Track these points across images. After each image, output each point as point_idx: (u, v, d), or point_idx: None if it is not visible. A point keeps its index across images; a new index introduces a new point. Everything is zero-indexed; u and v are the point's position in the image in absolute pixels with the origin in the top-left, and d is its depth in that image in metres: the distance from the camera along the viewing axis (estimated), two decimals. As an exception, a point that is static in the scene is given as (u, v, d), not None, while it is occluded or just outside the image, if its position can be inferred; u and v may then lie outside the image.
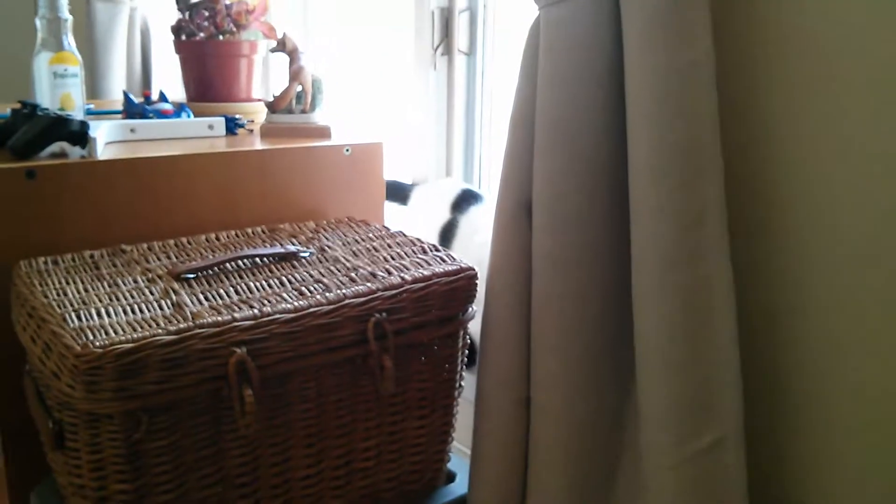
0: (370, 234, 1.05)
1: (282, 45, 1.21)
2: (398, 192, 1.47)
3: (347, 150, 1.15)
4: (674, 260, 0.80)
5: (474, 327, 0.99)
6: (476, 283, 0.95)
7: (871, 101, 0.77)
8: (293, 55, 1.21)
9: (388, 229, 1.07)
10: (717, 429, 0.83)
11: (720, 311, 0.82)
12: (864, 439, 0.83)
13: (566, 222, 0.87)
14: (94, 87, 2.03)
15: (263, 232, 1.05)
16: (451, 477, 1.03)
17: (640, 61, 0.79)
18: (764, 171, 0.86)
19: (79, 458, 0.78)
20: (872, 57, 0.76)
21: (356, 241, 1.02)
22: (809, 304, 0.85)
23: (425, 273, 0.91)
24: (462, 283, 0.93)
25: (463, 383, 1.00)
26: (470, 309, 0.96)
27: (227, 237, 1.03)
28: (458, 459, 1.05)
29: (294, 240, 1.02)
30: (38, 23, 1.15)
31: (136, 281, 0.89)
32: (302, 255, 0.96)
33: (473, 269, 0.94)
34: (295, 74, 1.20)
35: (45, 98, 1.15)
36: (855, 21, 0.77)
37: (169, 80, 1.98)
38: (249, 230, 1.05)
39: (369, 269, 0.92)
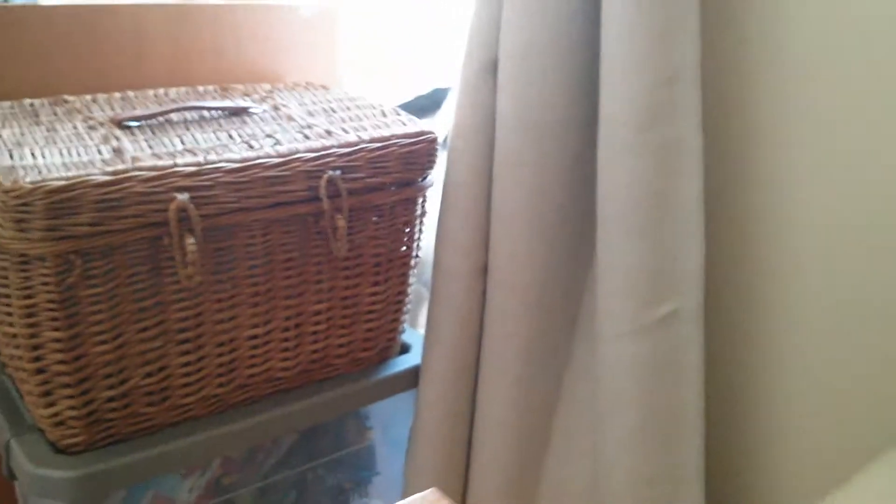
0: (329, 97, 1.00)
1: None
2: (435, 101, 1.27)
3: (306, 11, 1.09)
4: (644, 120, 0.77)
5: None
6: (436, 148, 0.91)
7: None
8: None
9: (347, 93, 1.02)
10: (677, 299, 0.81)
11: (688, 176, 0.79)
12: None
13: (533, 83, 0.83)
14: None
15: (215, 90, 1.00)
16: (405, 348, 1.01)
17: None
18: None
19: (9, 304, 0.74)
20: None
21: (313, 102, 0.98)
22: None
23: (383, 133, 0.87)
24: (422, 146, 0.89)
25: (420, 254, 0.97)
26: (429, 175, 0.92)
27: (177, 93, 0.98)
28: (414, 332, 1.03)
29: (247, 98, 0.97)
30: None
31: (75, 127, 0.84)
32: (253, 111, 0.91)
33: (434, 134, 0.90)
34: (255, -71, 1.13)
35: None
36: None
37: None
38: (201, 88, 1.00)
39: (325, 127, 0.87)
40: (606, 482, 0.85)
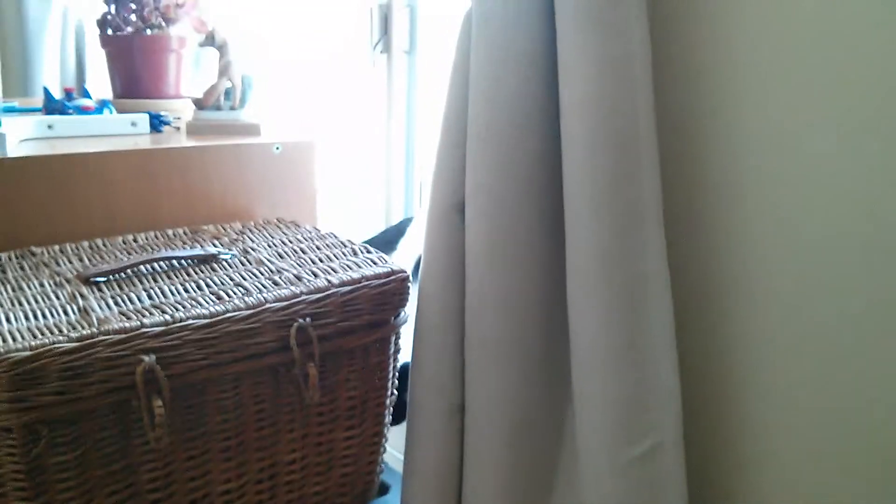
0: (299, 236, 1.00)
1: (211, 39, 1.16)
2: (393, 238, 1.24)
3: (277, 148, 1.11)
4: (608, 259, 0.77)
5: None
6: (408, 287, 0.91)
7: (815, 95, 0.75)
8: (223, 49, 1.16)
9: (318, 231, 1.03)
10: (656, 434, 0.80)
11: (657, 312, 0.79)
12: (793, 439, 0.82)
13: (499, 222, 0.84)
14: (25, 84, 1.95)
15: (185, 233, 1.00)
16: (384, 489, 0.99)
17: (574, 55, 0.76)
18: (700, 168, 0.84)
19: (-25, 475, 0.72)
20: (817, 50, 0.75)
21: (283, 242, 0.98)
22: (742, 304, 0.83)
23: (354, 276, 0.87)
24: (393, 285, 0.89)
25: (395, 391, 0.96)
26: (402, 313, 0.92)
27: (146, 239, 0.98)
28: (392, 470, 1.01)
29: (217, 241, 0.97)
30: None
31: (42, 285, 0.83)
32: (223, 257, 0.91)
33: (405, 272, 0.90)
34: (224, 69, 1.15)
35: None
36: (796, 14, 0.75)
37: (103, 78, 1.91)
38: (170, 231, 1.00)
39: (294, 271, 0.87)
40: None
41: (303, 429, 0.87)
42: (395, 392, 0.96)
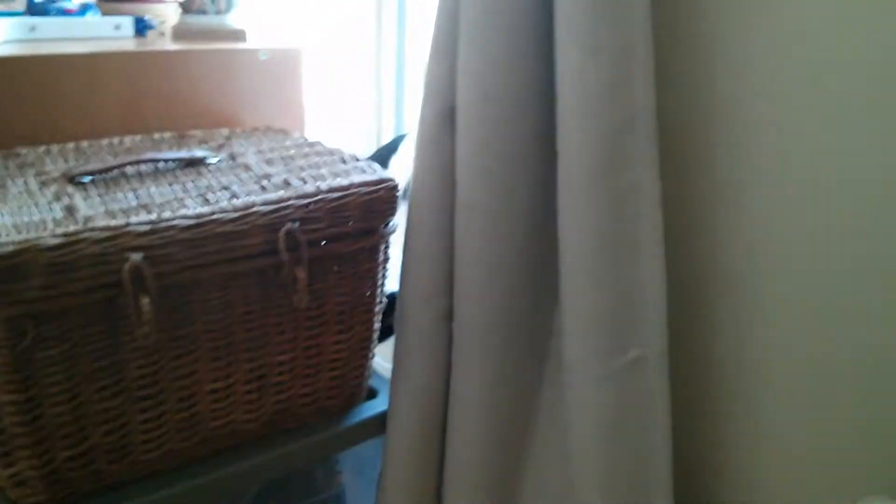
0: (287, 143, 0.99)
1: (196, -59, 1.13)
2: (385, 155, 1.22)
3: (263, 55, 1.09)
4: (600, 166, 0.77)
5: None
6: (397, 195, 0.90)
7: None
8: (209, -48, 1.13)
9: (306, 139, 1.02)
10: (640, 346, 0.81)
11: (647, 222, 0.79)
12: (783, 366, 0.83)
13: (490, 130, 0.83)
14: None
15: (172, 138, 0.99)
16: (372, 393, 1.00)
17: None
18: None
19: (-37, 369, 0.72)
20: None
21: (271, 149, 0.97)
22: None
23: (343, 182, 0.86)
24: (382, 193, 0.88)
25: (384, 298, 0.96)
26: (391, 222, 0.92)
27: (132, 142, 0.96)
28: (381, 376, 1.02)
29: (204, 146, 0.96)
30: None
31: (27, 184, 0.82)
32: (210, 161, 0.90)
33: (395, 180, 0.90)
34: (210, -28, 1.13)
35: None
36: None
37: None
38: (157, 136, 0.99)
39: (283, 177, 0.87)
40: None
41: (292, 332, 0.87)
42: (386, 300, 0.96)
